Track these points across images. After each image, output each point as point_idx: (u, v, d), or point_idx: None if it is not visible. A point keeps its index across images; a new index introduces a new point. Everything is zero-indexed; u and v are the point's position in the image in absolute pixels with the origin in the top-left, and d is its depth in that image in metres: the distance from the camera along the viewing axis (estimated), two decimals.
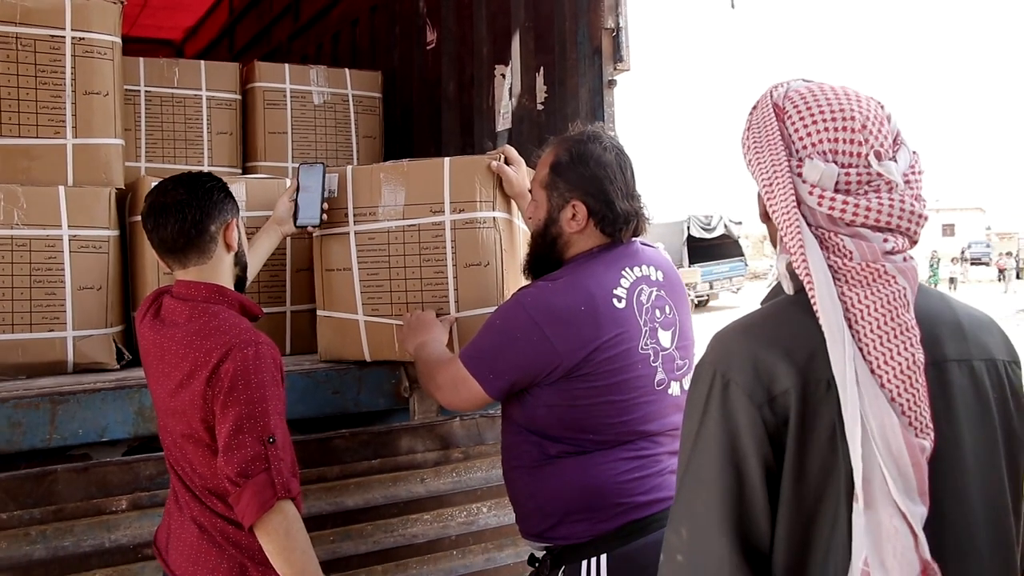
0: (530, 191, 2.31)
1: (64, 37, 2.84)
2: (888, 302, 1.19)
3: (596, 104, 3.23)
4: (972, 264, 38.21)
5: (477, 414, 2.97)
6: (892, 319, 1.19)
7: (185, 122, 3.69)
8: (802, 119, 1.28)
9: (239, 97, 3.81)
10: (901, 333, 1.18)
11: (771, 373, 1.19)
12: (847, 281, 1.20)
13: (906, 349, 1.18)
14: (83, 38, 2.87)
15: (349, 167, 2.82)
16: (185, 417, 1.96)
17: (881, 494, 1.12)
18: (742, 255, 24.54)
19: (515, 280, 2.66)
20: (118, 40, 2.97)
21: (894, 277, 1.21)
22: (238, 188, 3.03)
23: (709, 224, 22.96)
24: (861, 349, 1.17)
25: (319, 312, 2.88)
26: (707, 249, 23.00)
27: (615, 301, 2.08)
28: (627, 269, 2.14)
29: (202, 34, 7.91)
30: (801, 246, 1.21)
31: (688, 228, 22.46)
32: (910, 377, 1.17)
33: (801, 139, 1.27)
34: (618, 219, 2.14)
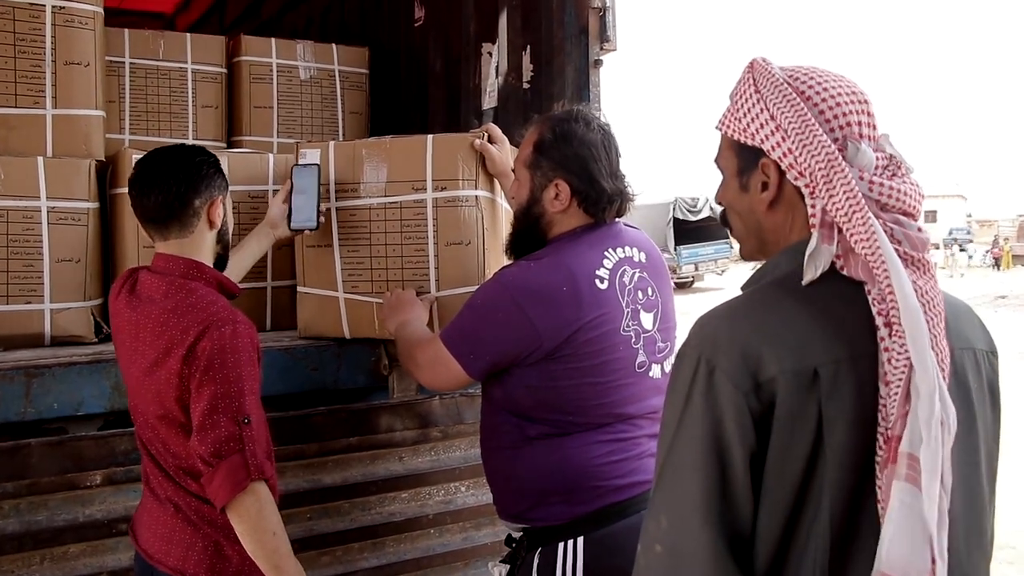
0: (513, 170, 2.29)
1: (44, 5, 2.81)
2: (933, 288, 1.20)
3: (582, 84, 3.21)
4: (961, 250, 38.43)
5: (456, 393, 2.96)
6: (935, 306, 1.19)
7: (170, 95, 3.65)
8: (826, 100, 1.26)
9: (225, 71, 3.78)
10: (941, 323, 1.19)
11: (757, 359, 1.17)
12: (907, 267, 1.19)
13: (943, 338, 1.18)
14: (64, 7, 2.84)
15: (331, 142, 2.80)
16: (159, 397, 1.94)
17: (936, 478, 1.11)
18: (727, 237, 24.54)
19: (497, 259, 2.65)
20: (100, 10, 2.94)
21: (931, 265, 1.22)
22: (220, 162, 3.02)
23: (695, 206, 22.94)
24: None
25: (299, 288, 2.86)
26: (692, 231, 23.01)
27: (597, 282, 2.07)
28: (610, 250, 2.13)
29: (193, 7, 7.83)
30: (873, 233, 1.17)
31: (674, 210, 22.45)
32: (946, 364, 1.17)
33: (836, 118, 1.26)
34: (601, 199, 2.12)
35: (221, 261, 2.17)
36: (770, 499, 1.16)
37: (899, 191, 1.23)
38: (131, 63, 3.54)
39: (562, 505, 2.08)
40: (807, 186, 1.25)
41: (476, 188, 2.65)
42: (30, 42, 2.79)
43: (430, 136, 2.71)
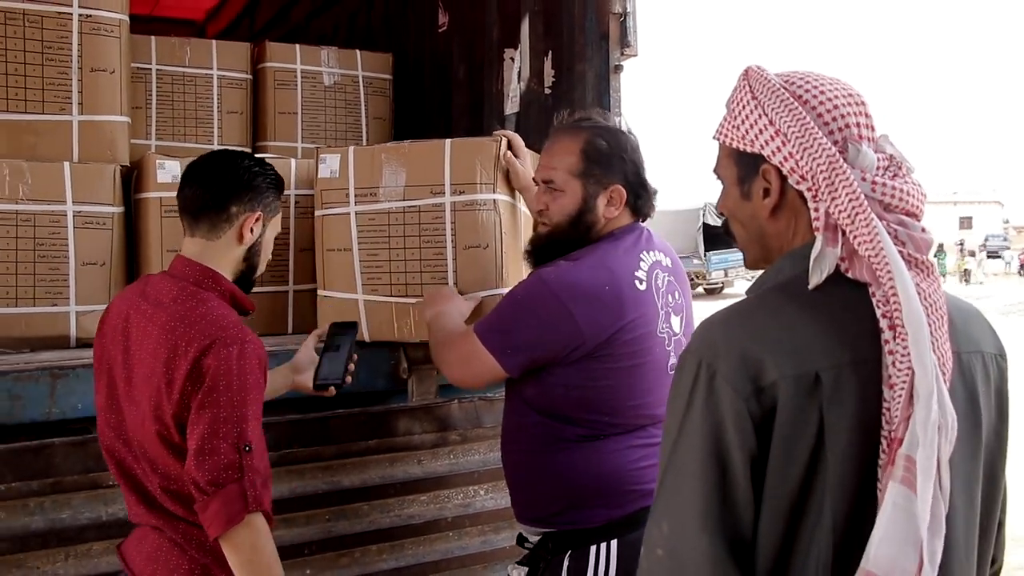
0: (547, 181, 2.21)
1: (71, 14, 2.87)
2: (936, 291, 1.20)
3: (602, 89, 3.23)
4: (988, 257, 37.79)
5: (475, 396, 2.99)
6: (938, 308, 1.19)
7: (196, 101, 3.70)
8: (824, 103, 1.26)
9: (250, 77, 3.83)
10: (944, 325, 1.18)
11: (758, 364, 1.16)
12: (910, 269, 1.19)
13: (947, 341, 1.18)
14: (90, 15, 2.90)
15: (351, 147, 2.83)
16: (157, 411, 1.84)
17: (930, 480, 1.10)
18: None
19: (515, 263, 2.67)
20: (125, 18, 3.00)
21: (934, 267, 1.21)
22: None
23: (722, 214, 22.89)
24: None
25: (319, 292, 2.90)
26: (722, 237, 22.88)
27: (636, 283, 2.10)
28: (644, 253, 2.17)
29: (223, 14, 7.94)
30: (876, 235, 1.17)
31: (704, 215, 22.33)
32: (949, 368, 1.17)
33: (835, 120, 1.25)
34: (651, 199, 2.22)
35: (243, 280, 2.05)
36: (771, 504, 1.16)
37: (902, 191, 1.23)
38: (158, 69, 3.60)
39: (597, 509, 2.09)
40: (809, 189, 1.24)
41: (494, 192, 2.67)
42: (57, 50, 2.85)
43: (448, 140, 2.73)
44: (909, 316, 1.14)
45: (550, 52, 3.51)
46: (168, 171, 2.95)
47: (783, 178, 1.28)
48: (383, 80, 4.14)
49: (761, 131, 1.28)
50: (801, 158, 1.23)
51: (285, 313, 3.15)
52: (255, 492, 1.79)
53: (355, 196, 2.78)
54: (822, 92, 1.27)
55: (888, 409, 1.14)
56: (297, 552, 2.66)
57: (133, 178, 2.98)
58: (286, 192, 3.06)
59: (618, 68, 3.21)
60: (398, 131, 4.21)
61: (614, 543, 2.07)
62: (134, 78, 3.39)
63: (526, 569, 2.20)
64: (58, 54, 2.85)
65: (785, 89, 1.28)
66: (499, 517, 2.96)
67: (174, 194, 2.94)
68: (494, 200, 2.67)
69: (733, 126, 1.33)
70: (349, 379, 2.29)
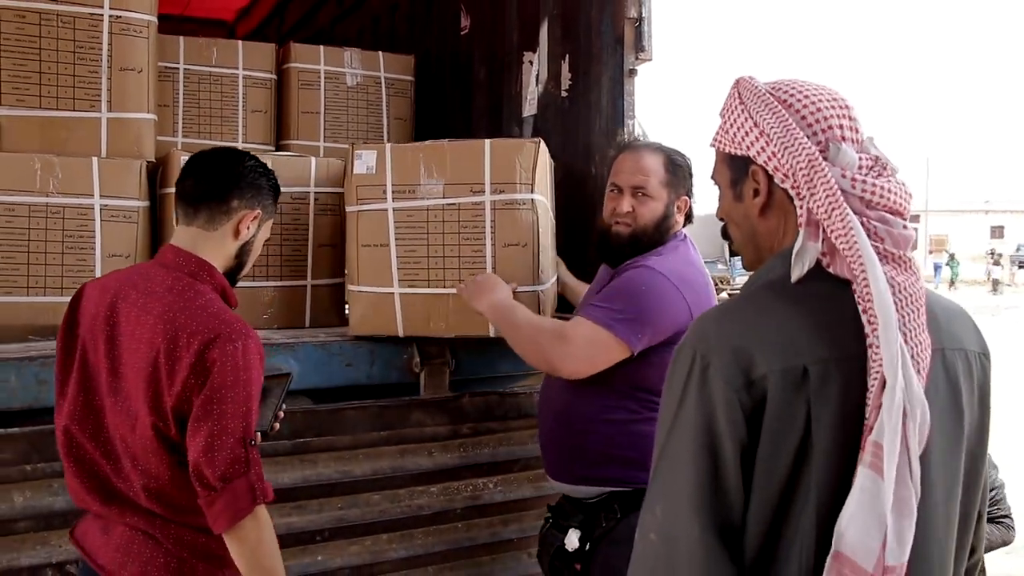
0: (639, 187, 2.47)
1: (102, 15, 2.97)
2: (912, 284, 1.25)
3: (617, 93, 3.28)
4: (1020, 267, 37.24)
5: (489, 392, 3.06)
6: (914, 301, 1.24)
7: (222, 99, 3.80)
8: (808, 106, 1.32)
9: (275, 77, 3.92)
10: (920, 317, 1.24)
11: (749, 358, 1.21)
12: (886, 263, 1.24)
13: (923, 332, 1.23)
14: (120, 16, 3.00)
15: (388, 144, 2.90)
16: (153, 402, 1.83)
17: (902, 471, 1.16)
18: None
19: (548, 261, 2.79)
20: (154, 19, 3.09)
21: (913, 262, 1.27)
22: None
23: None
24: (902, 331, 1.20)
25: (351, 287, 2.95)
26: None
27: (708, 275, 2.51)
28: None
29: (253, 15, 8.06)
30: (850, 229, 1.22)
31: None
32: (925, 359, 1.22)
33: (818, 122, 1.31)
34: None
35: (230, 277, 2.05)
36: (760, 492, 1.21)
37: (884, 188, 1.27)
38: (185, 69, 3.70)
39: None
40: (793, 187, 1.30)
41: (532, 191, 2.75)
42: (88, 49, 2.95)
43: (488, 140, 2.82)
44: (878, 303, 1.18)
45: (567, 55, 3.56)
46: None
47: (770, 178, 1.34)
48: (405, 81, 4.22)
49: (747, 133, 1.34)
50: (783, 157, 1.30)
51: (303, 307, 3.23)
52: (261, 485, 1.83)
53: (392, 193, 2.83)
54: (806, 96, 1.33)
55: (870, 402, 1.19)
56: (309, 539, 2.74)
57: (158, 173, 3.07)
58: (304, 189, 3.17)
59: (633, 72, 3.26)
60: (419, 132, 4.29)
61: None
62: (162, 77, 3.50)
63: (579, 532, 2.41)
64: (89, 53, 2.95)
65: (771, 94, 1.34)
66: (507, 509, 3.03)
67: None
68: (532, 200, 2.75)
69: (724, 131, 1.40)
70: (277, 426, 2.22)
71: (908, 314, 1.22)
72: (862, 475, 1.15)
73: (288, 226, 3.16)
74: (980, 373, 1.36)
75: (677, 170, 2.51)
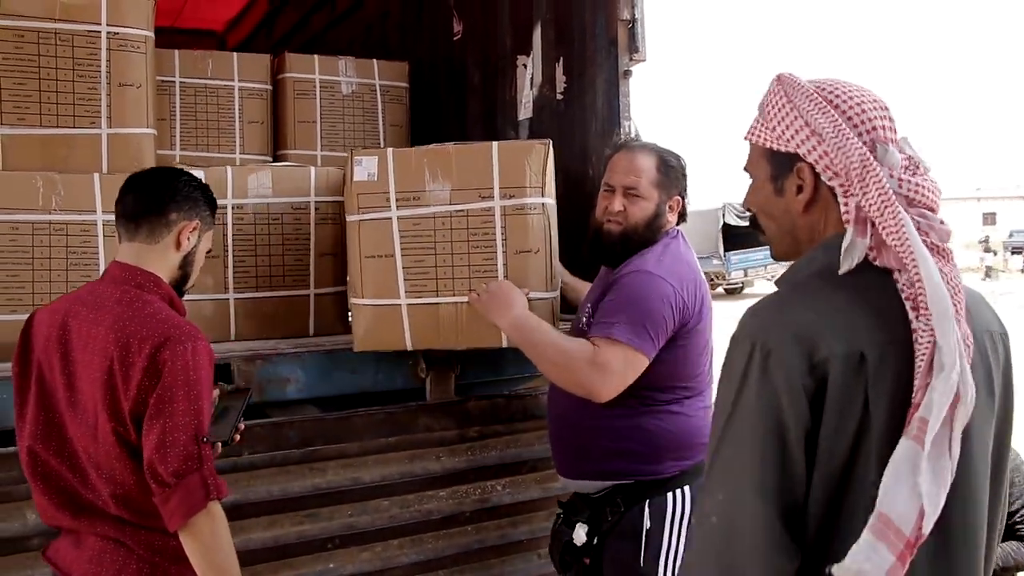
0: (630, 188, 2.51)
1: (100, 32, 2.98)
2: (956, 275, 1.32)
3: (612, 94, 3.31)
4: (1013, 253, 37.32)
5: (495, 395, 3.09)
6: (959, 290, 1.31)
7: (218, 111, 3.81)
8: (853, 107, 1.38)
9: (270, 87, 3.94)
10: (962, 304, 1.30)
11: (810, 344, 1.27)
12: (933, 256, 1.31)
13: (966, 321, 1.30)
14: (118, 33, 3.01)
15: (389, 150, 2.77)
16: (112, 409, 1.87)
17: (942, 445, 1.22)
18: None
19: (557, 265, 2.78)
20: (151, 34, 3.11)
21: (952, 254, 1.34)
22: (264, 176, 3.16)
23: (744, 211, 22.71)
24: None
25: (354, 300, 2.81)
26: (742, 236, 22.79)
27: (700, 270, 2.55)
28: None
29: (243, 25, 8.07)
30: (902, 226, 1.28)
31: (724, 215, 22.27)
32: (971, 343, 1.29)
33: (863, 123, 1.37)
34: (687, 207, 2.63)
35: (176, 289, 2.10)
36: (822, 470, 1.27)
37: (923, 187, 1.35)
38: (181, 82, 3.72)
39: (674, 460, 2.45)
40: (841, 185, 1.36)
41: (543, 195, 2.69)
42: (87, 66, 2.97)
43: (495, 143, 2.73)
44: (933, 297, 1.25)
45: (561, 58, 3.59)
46: None
47: (816, 175, 1.40)
48: (399, 88, 4.24)
49: (797, 131, 1.40)
50: (835, 157, 1.36)
51: (307, 316, 3.26)
52: (214, 480, 1.87)
53: (396, 200, 2.72)
54: (851, 97, 1.40)
55: (917, 383, 1.25)
56: (321, 547, 2.76)
57: None
58: (305, 199, 3.19)
59: (627, 73, 3.29)
60: (415, 137, 4.31)
61: (687, 489, 2.44)
62: (158, 91, 3.51)
63: (586, 527, 2.48)
64: (88, 70, 2.96)
65: (818, 94, 1.40)
66: (516, 511, 3.06)
67: None
68: (543, 204, 2.69)
69: (768, 128, 1.45)
70: (238, 437, 2.24)
71: (957, 303, 1.28)
72: (904, 445, 1.21)
73: (290, 236, 3.19)
74: (1003, 352, 1.45)
75: (670, 171, 2.54)
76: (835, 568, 1.21)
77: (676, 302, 2.37)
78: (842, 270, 1.34)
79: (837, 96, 1.39)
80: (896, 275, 1.31)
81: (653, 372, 2.37)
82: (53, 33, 2.93)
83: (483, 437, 3.04)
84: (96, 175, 2.93)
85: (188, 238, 2.07)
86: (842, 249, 1.34)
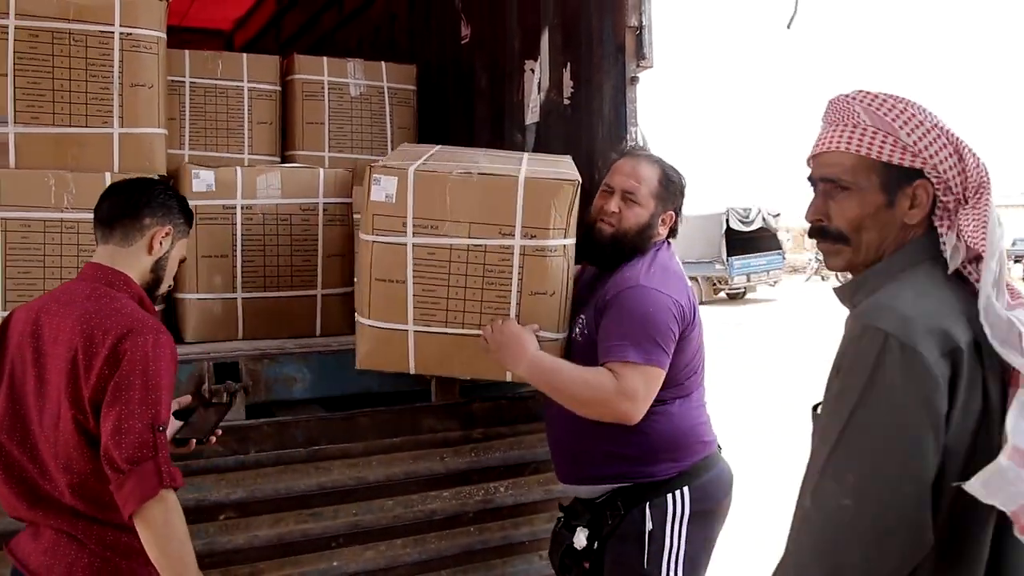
0: (629, 192, 2.57)
1: (113, 33, 3.02)
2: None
3: (619, 100, 3.32)
4: (1016, 261, 37.23)
5: (499, 397, 3.11)
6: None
7: (227, 112, 3.82)
8: (936, 123, 1.51)
9: (279, 88, 3.95)
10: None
11: (943, 333, 1.38)
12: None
13: None
14: (130, 33, 3.04)
15: (411, 169, 2.56)
16: (73, 397, 1.93)
17: None
18: (780, 248, 24.24)
19: (571, 305, 2.67)
20: (163, 35, 3.14)
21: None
22: (273, 177, 3.19)
23: (747, 217, 22.67)
24: None
25: (360, 319, 2.70)
26: (745, 242, 22.80)
27: (685, 277, 2.63)
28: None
29: (251, 25, 8.11)
30: (992, 231, 1.44)
31: (727, 220, 22.25)
32: None
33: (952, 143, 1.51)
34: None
35: (148, 292, 2.16)
36: (951, 450, 1.37)
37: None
38: (191, 82, 3.74)
39: (673, 462, 2.50)
40: (956, 200, 1.50)
41: (565, 237, 2.58)
42: (100, 66, 3.00)
43: (522, 178, 2.56)
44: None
45: (569, 64, 3.61)
46: (203, 180, 3.09)
47: (934, 191, 1.52)
48: (407, 91, 4.25)
49: (940, 150, 1.50)
50: (972, 176, 1.48)
51: (314, 317, 3.29)
52: (168, 469, 1.90)
53: (413, 227, 2.57)
54: (924, 113, 1.53)
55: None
56: (325, 545, 2.80)
57: None
58: (313, 200, 3.23)
59: (634, 79, 3.30)
60: (422, 140, 4.33)
61: (686, 489, 2.48)
62: (169, 91, 3.54)
63: (587, 531, 2.52)
64: (101, 71, 3.00)
65: (933, 116, 1.53)
66: (518, 512, 3.09)
67: (209, 202, 3.11)
68: (564, 246, 2.58)
69: (888, 143, 1.52)
70: (213, 439, 2.30)
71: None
72: (1021, 394, 1.36)
73: (298, 237, 3.22)
74: None
75: (670, 185, 2.61)
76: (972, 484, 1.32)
77: (676, 311, 2.43)
78: (950, 270, 1.49)
79: (921, 110, 1.51)
80: (967, 271, 1.49)
81: None
82: (67, 33, 2.96)
83: (487, 439, 3.07)
84: (108, 174, 2.96)
85: (160, 243, 2.15)
86: (948, 252, 1.50)
